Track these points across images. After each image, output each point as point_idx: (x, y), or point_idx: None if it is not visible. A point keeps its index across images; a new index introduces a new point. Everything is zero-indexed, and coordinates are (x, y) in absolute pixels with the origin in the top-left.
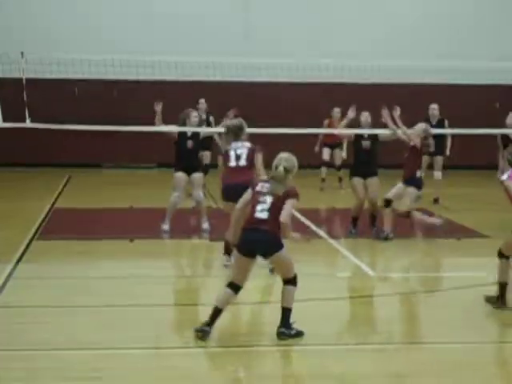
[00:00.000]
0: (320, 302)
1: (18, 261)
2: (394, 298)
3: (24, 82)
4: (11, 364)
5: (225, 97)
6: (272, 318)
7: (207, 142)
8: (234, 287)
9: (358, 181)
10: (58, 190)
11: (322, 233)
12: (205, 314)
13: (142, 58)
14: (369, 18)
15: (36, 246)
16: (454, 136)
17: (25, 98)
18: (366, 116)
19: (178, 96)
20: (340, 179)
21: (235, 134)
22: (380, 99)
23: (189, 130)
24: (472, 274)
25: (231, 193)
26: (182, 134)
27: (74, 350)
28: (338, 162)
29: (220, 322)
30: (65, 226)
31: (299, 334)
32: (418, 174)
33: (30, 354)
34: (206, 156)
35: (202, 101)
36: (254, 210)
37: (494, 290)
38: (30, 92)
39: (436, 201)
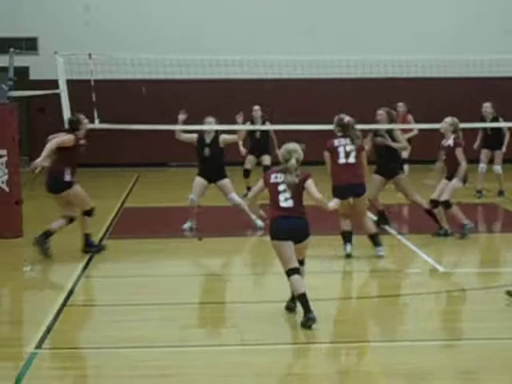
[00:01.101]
0: (390, 298)
1: (90, 260)
2: (463, 293)
3: (92, 83)
4: (82, 362)
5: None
6: (326, 313)
7: (265, 145)
8: (296, 271)
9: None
10: (127, 189)
11: (390, 229)
12: (271, 310)
13: (214, 56)
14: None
15: (107, 244)
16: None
17: (93, 99)
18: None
19: (244, 94)
20: None
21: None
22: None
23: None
24: None
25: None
26: (200, 142)
27: (145, 348)
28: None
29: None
30: (135, 224)
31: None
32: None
33: (100, 352)
34: (265, 159)
35: (257, 108)
36: (277, 201)
37: None
38: (97, 93)
39: (501, 193)
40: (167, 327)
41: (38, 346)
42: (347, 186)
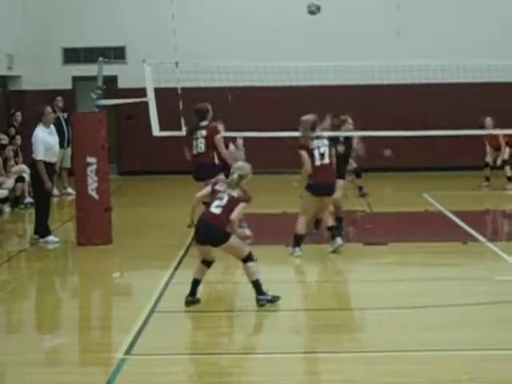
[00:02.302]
0: (480, 306)
1: (177, 267)
2: None
3: (179, 91)
4: (172, 368)
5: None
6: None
7: None
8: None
9: None
10: None
11: (478, 235)
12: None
13: (300, 64)
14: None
15: (194, 251)
16: None
17: (180, 107)
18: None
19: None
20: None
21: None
22: None
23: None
24: None
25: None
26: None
27: (231, 355)
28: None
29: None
30: None
31: (275, 298)
32: None
33: (189, 358)
34: None
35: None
36: (210, 205)
37: None
38: (184, 101)
39: None
40: (252, 333)
41: (128, 352)
42: (322, 186)
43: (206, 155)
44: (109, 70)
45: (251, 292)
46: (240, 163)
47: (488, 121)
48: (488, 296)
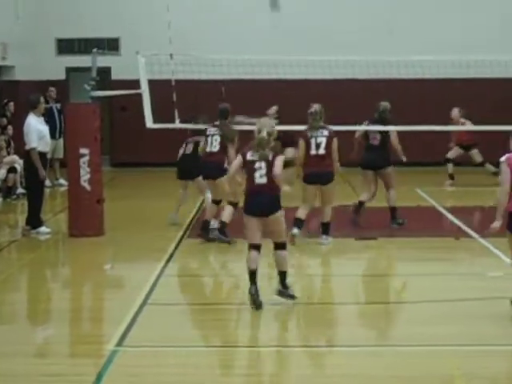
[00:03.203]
0: (473, 301)
1: (169, 259)
2: None
3: (173, 83)
4: (163, 360)
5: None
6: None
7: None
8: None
9: None
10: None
11: (471, 231)
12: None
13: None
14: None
15: (186, 244)
16: None
17: (174, 99)
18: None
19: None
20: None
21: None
22: None
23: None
24: None
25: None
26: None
27: (224, 348)
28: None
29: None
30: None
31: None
32: None
33: (180, 351)
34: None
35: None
36: (253, 178)
37: None
38: (178, 93)
39: None
40: (247, 327)
41: (119, 344)
42: (314, 174)
43: (218, 154)
44: (103, 61)
45: (246, 286)
46: (262, 119)
47: (455, 112)
48: (480, 292)
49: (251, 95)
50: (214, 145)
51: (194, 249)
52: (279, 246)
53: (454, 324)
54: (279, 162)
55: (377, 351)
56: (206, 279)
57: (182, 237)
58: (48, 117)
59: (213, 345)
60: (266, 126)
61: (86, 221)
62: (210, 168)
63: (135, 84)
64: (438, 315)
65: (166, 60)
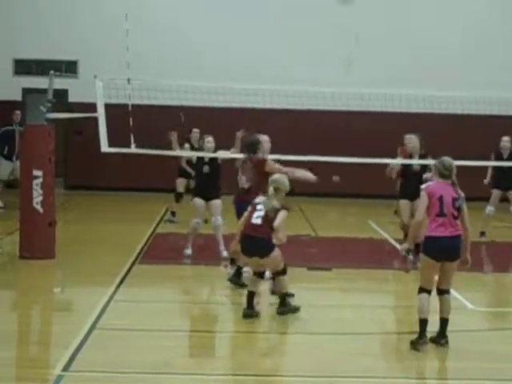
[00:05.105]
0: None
1: (120, 284)
2: (494, 333)
3: (130, 107)
4: None
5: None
6: None
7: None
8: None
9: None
10: (159, 214)
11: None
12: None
13: (248, 86)
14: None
15: (137, 269)
16: None
17: (130, 124)
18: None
19: (274, 124)
20: None
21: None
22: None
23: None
24: None
25: None
26: (199, 160)
27: (171, 375)
28: None
29: None
30: (165, 250)
31: (296, 309)
32: None
33: (126, 377)
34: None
35: (196, 130)
36: (251, 217)
37: None
38: (135, 118)
39: None
40: (194, 355)
41: (65, 369)
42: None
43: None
44: (60, 83)
45: (201, 311)
46: (276, 175)
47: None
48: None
49: (210, 122)
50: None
51: (145, 274)
52: (279, 274)
53: (402, 357)
54: (281, 216)
55: (322, 382)
56: (156, 305)
57: (134, 262)
58: (8, 139)
59: (160, 371)
60: (276, 182)
61: (37, 243)
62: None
63: (92, 107)
64: (385, 348)
65: (123, 84)
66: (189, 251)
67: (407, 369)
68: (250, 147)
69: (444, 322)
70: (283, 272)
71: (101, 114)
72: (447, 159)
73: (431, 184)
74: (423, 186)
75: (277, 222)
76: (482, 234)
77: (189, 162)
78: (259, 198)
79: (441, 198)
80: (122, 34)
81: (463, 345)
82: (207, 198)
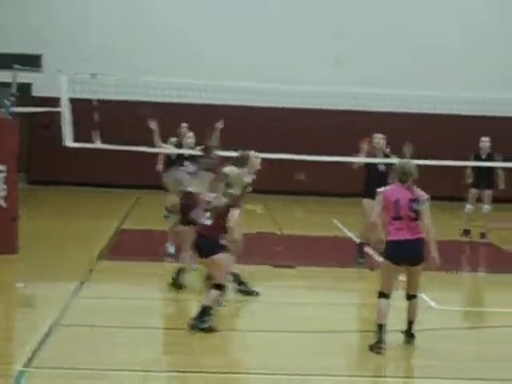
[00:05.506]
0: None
1: (84, 280)
2: (457, 332)
3: (95, 102)
4: (74, 382)
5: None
6: None
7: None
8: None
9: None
10: (125, 210)
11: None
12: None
13: (218, 82)
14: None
15: (102, 265)
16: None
17: (95, 119)
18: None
19: (244, 120)
20: None
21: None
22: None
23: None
24: None
25: None
26: (179, 156)
27: (132, 372)
28: None
29: None
30: (130, 246)
31: (211, 328)
32: None
33: (88, 373)
34: None
35: (185, 125)
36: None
37: None
38: (101, 113)
39: (483, 235)
40: (155, 352)
41: (27, 365)
42: None
43: None
44: (24, 77)
45: (159, 309)
46: (227, 168)
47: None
48: (391, 324)
49: (177, 118)
50: None
51: (110, 270)
52: (215, 286)
53: (361, 354)
54: (234, 216)
55: (284, 380)
56: (120, 301)
57: (100, 258)
58: None
59: (122, 368)
60: (227, 176)
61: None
62: None
63: (57, 101)
64: (347, 346)
65: (88, 79)
66: (171, 249)
67: (371, 367)
68: (239, 160)
69: (410, 324)
70: (219, 287)
71: (64, 109)
72: (406, 163)
73: (388, 187)
74: (380, 190)
75: (231, 223)
76: (466, 232)
77: (169, 157)
78: (209, 196)
79: (397, 202)
80: (87, 28)
81: (428, 343)
82: None
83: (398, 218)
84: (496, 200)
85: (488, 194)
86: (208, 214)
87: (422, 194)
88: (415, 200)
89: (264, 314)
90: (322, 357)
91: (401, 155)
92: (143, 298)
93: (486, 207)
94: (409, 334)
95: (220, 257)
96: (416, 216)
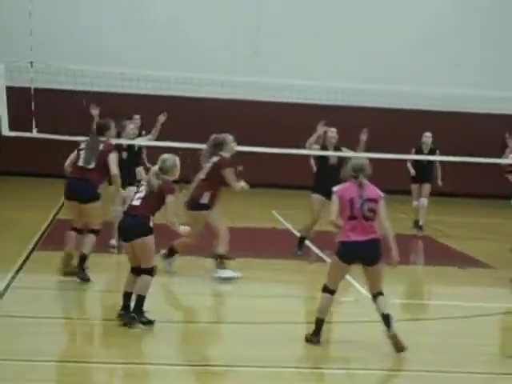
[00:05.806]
0: (328, 325)
1: (18, 270)
2: (412, 324)
3: (32, 91)
4: (3, 374)
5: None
6: None
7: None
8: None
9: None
10: (60, 200)
11: (324, 255)
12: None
13: (150, 72)
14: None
15: (37, 256)
16: (444, 164)
17: (32, 108)
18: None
19: (180, 111)
20: None
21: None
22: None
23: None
24: (474, 304)
25: None
26: (117, 146)
27: (64, 363)
28: None
29: None
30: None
31: (150, 322)
32: None
33: (20, 365)
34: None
35: (137, 117)
36: (133, 198)
37: (494, 320)
38: (38, 102)
39: (420, 227)
40: (90, 343)
41: None
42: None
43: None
44: None
45: (92, 300)
46: (165, 155)
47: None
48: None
49: (118, 110)
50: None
51: (44, 261)
52: (144, 271)
53: (296, 346)
54: (169, 206)
55: (225, 371)
56: (54, 292)
57: (33, 249)
58: None
59: (50, 359)
60: (162, 161)
61: None
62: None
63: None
64: (283, 337)
65: (26, 67)
66: (114, 241)
67: (301, 358)
68: (217, 146)
69: (386, 318)
70: (150, 272)
71: (1, 97)
72: (356, 160)
73: (342, 186)
74: (335, 189)
75: (169, 216)
76: (418, 227)
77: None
78: (143, 178)
79: (351, 201)
80: (25, 15)
81: (366, 336)
82: (124, 186)
83: (352, 217)
84: (434, 193)
85: (426, 187)
86: (139, 196)
87: (376, 192)
88: (369, 199)
89: (200, 305)
90: (254, 347)
91: (353, 148)
92: (77, 288)
93: (423, 200)
94: (388, 327)
95: (148, 242)
96: (371, 215)
